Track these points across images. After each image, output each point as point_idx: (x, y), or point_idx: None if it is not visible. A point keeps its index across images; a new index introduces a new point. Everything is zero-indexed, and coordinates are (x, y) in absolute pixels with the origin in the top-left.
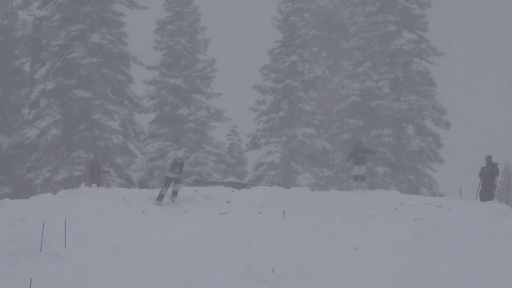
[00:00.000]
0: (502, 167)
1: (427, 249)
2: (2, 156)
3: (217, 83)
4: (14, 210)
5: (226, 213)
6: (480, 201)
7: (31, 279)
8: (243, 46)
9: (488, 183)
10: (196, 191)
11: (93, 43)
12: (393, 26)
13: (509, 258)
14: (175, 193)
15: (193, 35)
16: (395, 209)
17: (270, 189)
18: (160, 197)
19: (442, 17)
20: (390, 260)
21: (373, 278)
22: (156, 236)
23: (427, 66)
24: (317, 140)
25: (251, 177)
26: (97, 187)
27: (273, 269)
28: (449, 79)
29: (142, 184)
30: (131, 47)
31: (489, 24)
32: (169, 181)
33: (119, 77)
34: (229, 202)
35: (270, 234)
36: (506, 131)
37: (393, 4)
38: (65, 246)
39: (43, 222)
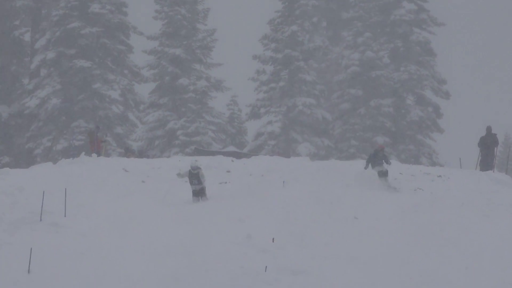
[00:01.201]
0: (502, 137)
1: (427, 219)
2: (2, 125)
3: (217, 53)
4: (14, 180)
5: (226, 182)
6: (480, 171)
7: (31, 249)
8: (243, 16)
9: (488, 153)
10: (196, 160)
11: (93, 13)
12: None
13: (508, 227)
14: (202, 195)
15: (193, 5)
16: (395, 179)
17: (270, 159)
18: (195, 200)
19: None
20: (390, 229)
21: (372, 247)
22: (157, 205)
23: (427, 36)
24: (317, 110)
25: (251, 146)
26: (97, 156)
27: (273, 239)
28: (449, 49)
29: (142, 154)
30: (131, 17)
31: None
32: (195, 193)
33: (119, 47)
34: (229, 171)
35: (270, 203)
36: (506, 101)
37: None
38: (65, 216)
39: (43, 192)
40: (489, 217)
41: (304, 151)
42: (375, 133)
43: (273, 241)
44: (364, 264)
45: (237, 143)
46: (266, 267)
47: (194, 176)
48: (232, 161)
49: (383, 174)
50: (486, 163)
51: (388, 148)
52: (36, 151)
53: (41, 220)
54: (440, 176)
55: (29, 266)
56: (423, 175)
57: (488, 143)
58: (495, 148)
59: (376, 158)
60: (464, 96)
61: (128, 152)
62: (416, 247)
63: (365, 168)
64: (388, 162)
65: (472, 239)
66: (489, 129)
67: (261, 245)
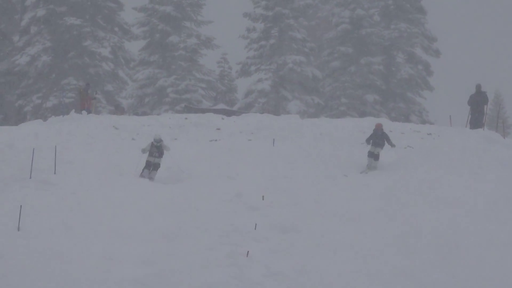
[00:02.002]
0: (492, 95)
1: (417, 176)
2: None
3: (208, 10)
4: (4, 137)
5: (216, 140)
6: (470, 129)
7: (20, 206)
8: None
9: (478, 111)
10: (186, 118)
11: None
12: None
13: (498, 184)
14: (151, 179)
15: None
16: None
17: (260, 117)
18: (141, 176)
19: None
20: (379, 186)
21: (362, 203)
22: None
23: None
24: (307, 68)
25: (241, 104)
26: (87, 114)
27: (262, 196)
28: (440, 7)
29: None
30: None
31: None
32: (149, 165)
33: (109, 4)
34: (219, 129)
35: (260, 161)
36: (496, 59)
37: None
38: (55, 173)
39: (33, 149)
40: (479, 175)
41: (294, 109)
42: (365, 91)
43: (263, 199)
44: (354, 221)
45: (227, 101)
46: (256, 224)
47: (156, 149)
48: (222, 118)
49: (372, 155)
50: (476, 121)
51: (378, 106)
52: (26, 108)
53: (31, 177)
54: (430, 134)
55: (19, 224)
56: (413, 133)
57: (478, 101)
58: (485, 106)
59: (376, 138)
60: (454, 54)
61: (118, 109)
62: (406, 204)
63: (367, 143)
64: (390, 143)
65: (461, 197)
66: (478, 87)
67: (251, 202)
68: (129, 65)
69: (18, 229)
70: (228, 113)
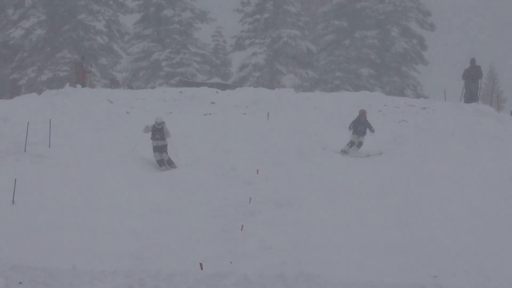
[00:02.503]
0: (487, 69)
1: (411, 150)
2: None
3: None
4: None
5: (210, 114)
6: (465, 103)
7: (15, 179)
8: None
9: (472, 85)
10: (180, 92)
11: None
12: None
13: (492, 158)
14: (169, 163)
15: None
16: (380, 111)
17: (255, 90)
18: (160, 163)
19: None
20: (374, 161)
21: (356, 177)
22: (141, 137)
23: None
24: (302, 42)
25: (236, 78)
26: (82, 87)
27: (257, 170)
28: None
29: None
30: None
31: None
32: (156, 148)
33: None
34: (213, 103)
35: (255, 135)
36: (491, 33)
37: None
38: (49, 147)
39: (28, 123)
40: (473, 149)
41: (288, 82)
42: (360, 65)
43: (257, 173)
44: (348, 195)
45: (222, 75)
46: (250, 198)
47: (158, 131)
48: (217, 92)
49: (352, 144)
50: (470, 95)
51: (372, 80)
52: (20, 81)
53: (25, 151)
54: (424, 108)
55: (13, 197)
56: (407, 107)
57: (472, 75)
58: (479, 80)
59: (359, 124)
60: (449, 28)
61: (113, 83)
62: (400, 178)
63: (349, 128)
64: (371, 129)
65: (456, 171)
66: (473, 61)
67: (246, 176)
68: (123, 39)
69: (13, 203)
70: (223, 87)
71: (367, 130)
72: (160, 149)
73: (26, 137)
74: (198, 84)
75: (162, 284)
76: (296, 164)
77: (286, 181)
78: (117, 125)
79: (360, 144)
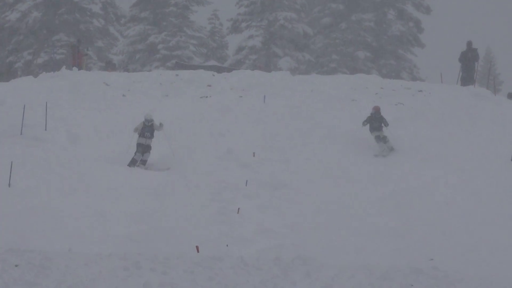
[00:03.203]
0: (483, 52)
1: (408, 133)
2: None
3: None
4: None
5: (207, 97)
6: (461, 86)
7: (11, 162)
8: None
9: (469, 68)
10: (177, 74)
11: None
12: None
13: (489, 141)
14: (143, 162)
15: None
16: (376, 94)
17: (251, 73)
18: (133, 162)
19: None
20: (370, 144)
21: (353, 160)
22: (137, 119)
23: None
24: (298, 24)
25: (232, 61)
26: (78, 70)
27: (253, 153)
28: None
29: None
30: None
31: None
32: (140, 147)
33: None
34: (210, 85)
35: (251, 118)
36: (488, 16)
37: None
38: (45, 129)
39: (24, 105)
40: (470, 132)
41: (285, 65)
42: (356, 48)
43: (254, 156)
44: (344, 179)
45: (218, 57)
46: (246, 181)
47: (148, 128)
48: (213, 75)
49: (381, 139)
50: (467, 78)
51: (369, 63)
52: (17, 64)
53: (21, 133)
54: (421, 91)
55: (9, 180)
56: (404, 90)
57: (468, 57)
58: (476, 62)
59: (374, 121)
60: (445, 11)
61: (109, 66)
62: (397, 163)
63: (363, 125)
64: (386, 124)
65: (452, 153)
66: (469, 44)
67: (242, 159)
68: (120, 22)
69: (9, 186)
70: (219, 70)
71: (382, 125)
72: (144, 149)
73: (23, 120)
74: (194, 67)
75: (158, 267)
76: (292, 147)
77: (282, 164)
78: (114, 108)
79: (385, 139)
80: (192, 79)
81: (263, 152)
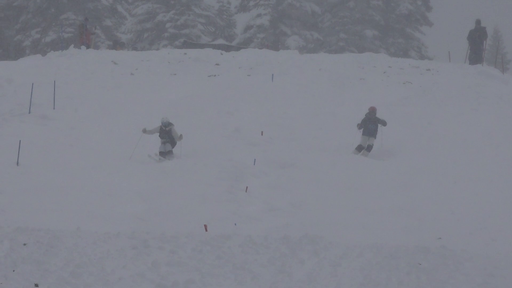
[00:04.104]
0: (491, 30)
1: (416, 112)
2: None
3: None
4: (3, 72)
5: (215, 75)
6: (469, 64)
7: (19, 141)
8: None
9: (477, 47)
10: (185, 53)
11: None
12: None
13: (496, 120)
14: (170, 152)
15: None
16: (384, 72)
17: (259, 52)
18: (161, 154)
19: None
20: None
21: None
22: (145, 98)
23: None
24: (306, 3)
25: (240, 39)
26: (86, 49)
27: (262, 131)
28: None
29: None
30: None
31: None
32: (162, 155)
33: None
34: (218, 64)
35: (259, 96)
36: None
37: None
38: (54, 108)
39: (32, 84)
40: (477, 111)
41: (293, 44)
42: (364, 27)
43: (262, 134)
44: (353, 157)
45: (226, 36)
46: (254, 160)
47: (164, 134)
48: (221, 54)
49: (360, 148)
50: (475, 56)
51: (377, 41)
52: (25, 43)
53: (30, 112)
54: (429, 69)
55: (18, 159)
56: (412, 68)
57: (477, 36)
58: (484, 41)
59: (370, 122)
60: None
61: (119, 44)
62: (404, 141)
63: (358, 128)
64: (384, 124)
65: (460, 132)
66: (478, 22)
67: (250, 138)
68: (128, 0)
69: (17, 164)
70: (227, 49)
71: (379, 127)
72: (166, 156)
73: (31, 99)
74: (202, 46)
75: (166, 246)
76: (300, 126)
77: (290, 143)
78: (122, 87)
79: (370, 148)
80: (200, 57)
81: (271, 131)
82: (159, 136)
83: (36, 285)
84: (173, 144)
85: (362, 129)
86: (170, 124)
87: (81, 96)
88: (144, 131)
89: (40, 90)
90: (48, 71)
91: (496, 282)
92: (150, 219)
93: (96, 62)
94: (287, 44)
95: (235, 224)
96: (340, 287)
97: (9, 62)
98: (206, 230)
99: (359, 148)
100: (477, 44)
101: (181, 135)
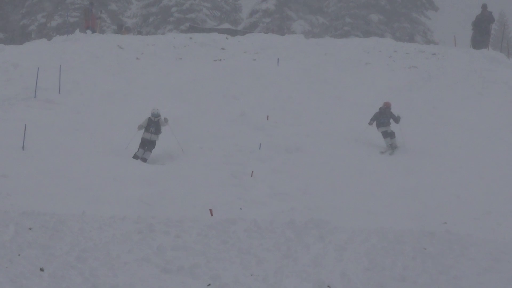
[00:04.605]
0: (497, 15)
1: (421, 96)
2: None
3: None
4: (9, 56)
5: (220, 60)
6: (474, 49)
7: (25, 125)
8: None
9: (483, 31)
10: (190, 38)
11: None
12: None
13: (501, 105)
14: (143, 160)
15: None
16: (390, 57)
17: (265, 36)
18: (135, 157)
19: None
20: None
21: (365, 125)
22: (151, 82)
23: None
24: None
25: (246, 24)
26: (92, 33)
27: (267, 116)
28: None
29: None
30: None
31: None
32: (144, 143)
33: None
34: (223, 49)
35: (265, 81)
36: None
37: None
38: (59, 92)
39: (38, 68)
40: (483, 95)
41: (298, 28)
42: (370, 11)
43: (267, 119)
44: (358, 142)
45: (232, 21)
46: (260, 144)
47: (154, 124)
48: (227, 38)
49: (388, 134)
50: (480, 41)
51: (382, 26)
52: (30, 27)
53: (35, 96)
54: (434, 54)
55: (23, 143)
56: (417, 53)
57: (482, 20)
58: (490, 25)
59: (382, 116)
60: None
61: (125, 29)
62: (410, 124)
63: (370, 124)
64: (396, 121)
65: (465, 117)
66: (484, 6)
67: (256, 122)
68: None
69: (23, 148)
70: (233, 33)
71: (391, 121)
72: (148, 145)
73: (36, 83)
74: (208, 30)
75: (172, 230)
76: (306, 111)
77: (296, 128)
78: (127, 71)
79: (393, 134)
80: (205, 42)
81: (276, 115)
82: (144, 130)
83: (42, 269)
84: (159, 133)
85: (374, 123)
86: (159, 115)
87: (86, 80)
88: (140, 127)
89: (46, 75)
90: (53, 56)
91: (501, 267)
92: (156, 204)
93: (101, 47)
94: (293, 28)
95: (241, 209)
96: (345, 272)
97: (15, 46)
98: (211, 214)
99: (385, 134)
100: (483, 29)
101: (165, 119)
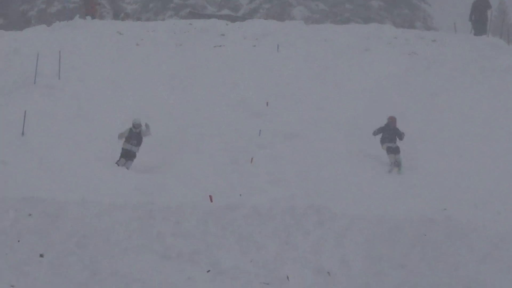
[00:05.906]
0: (496, 2)
1: (420, 83)
2: None
3: None
4: (8, 42)
5: (220, 46)
6: (474, 35)
7: (25, 111)
8: None
9: (481, 17)
10: (190, 24)
11: None
12: None
13: (501, 93)
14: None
15: None
16: (389, 43)
17: (265, 22)
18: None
19: None
20: (383, 93)
21: (366, 111)
22: (151, 68)
23: None
24: None
25: (246, 10)
26: (91, 19)
27: (267, 102)
28: None
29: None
30: None
31: None
32: (125, 154)
33: None
34: (223, 35)
35: (264, 67)
36: None
37: None
38: (59, 78)
39: (37, 54)
40: (483, 83)
41: (298, 14)
42: None
43: (267, 105)
44: (357, 129)
45: (232, 7)
46: (260, 131)
47: (135, 136)
48: (227, 24)
49: (392, 150)
50: (480, 27)
51: (382, 12)
52: (30, 13)
53: (35, 82)
54: (434, 40)
55: (23, 129)
56: (417, 39)
57: (481, 6)
58: (488, 10)
59: (387, 132)
60: None
61: (125, 15)
62: (409, 110)
63: (374, 134)
64: (400, 138)
65: (465, 104)
66: None
67: (255, 108)
68: None
69: (23, 134)
70: (233, 19)
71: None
72: (129, 156)
73: (36, 69)
74: (208, 16)
75: (171, 217)
76: (305, 97)
77: (296, 114)
78: (127, 57)
79: (398, 150)
80: (205, 28)
81: (276, 102)
82: (125, 140)
83: (41, 255)
84: (139, 145)
85: (379, 136)
86: (140, 125)
87: (86, 66)
88: (120, 137)
89: (46, 61)
90: (53, 42)
91: (500, 254)
92: (155, 190)
93: (101, 33)
94: (293, 14)
95: (240, 195)
96: (344, 258)
97: (14, 32)
98: (211, 201)
99: (389, 150)
100: (481, 14)
101: (146, 125)
